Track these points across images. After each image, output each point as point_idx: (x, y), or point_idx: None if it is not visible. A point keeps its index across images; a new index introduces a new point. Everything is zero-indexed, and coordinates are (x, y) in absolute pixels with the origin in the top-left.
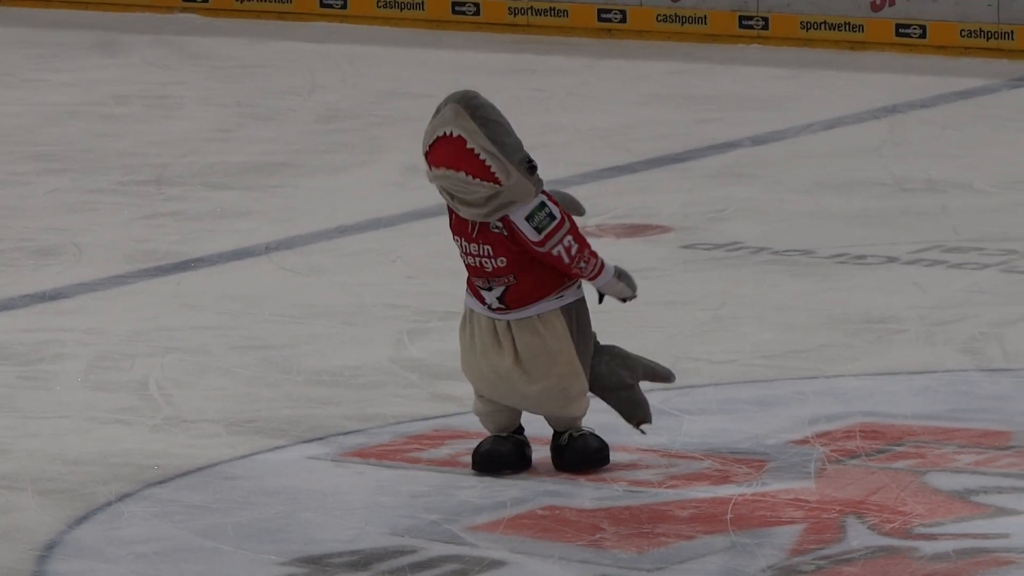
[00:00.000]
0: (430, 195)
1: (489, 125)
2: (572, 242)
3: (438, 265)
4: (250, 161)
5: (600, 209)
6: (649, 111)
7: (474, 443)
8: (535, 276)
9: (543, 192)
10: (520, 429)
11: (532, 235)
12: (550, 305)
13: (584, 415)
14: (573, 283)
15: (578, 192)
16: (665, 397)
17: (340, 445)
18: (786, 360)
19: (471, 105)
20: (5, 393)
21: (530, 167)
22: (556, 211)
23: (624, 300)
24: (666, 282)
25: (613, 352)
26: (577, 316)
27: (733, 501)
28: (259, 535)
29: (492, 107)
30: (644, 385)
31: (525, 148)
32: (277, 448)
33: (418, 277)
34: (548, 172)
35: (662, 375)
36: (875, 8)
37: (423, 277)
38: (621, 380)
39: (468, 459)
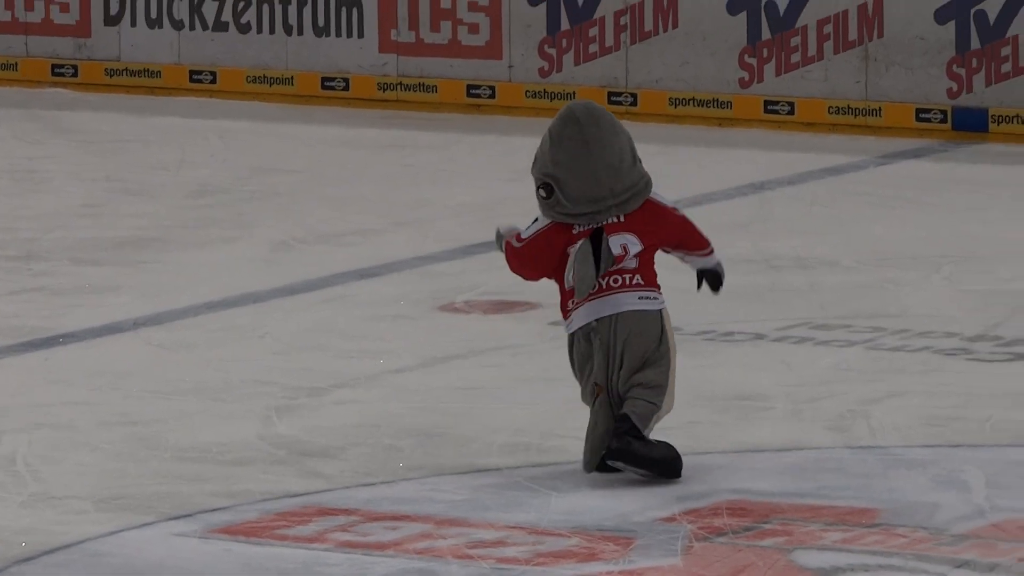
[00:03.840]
0: (299, 271)
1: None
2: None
3: (306, 341)
4: (119, 236)
5: (468, 285)
6: (518, 187)
7: (341, 520)
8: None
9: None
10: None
11: None
12: None
13: None
14: (567, 319)
15: (446, 268)
16: (532, 474)
17: (207, 522)
18: (653, 436)
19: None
20: None
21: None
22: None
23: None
24: (534, 358)
25: None
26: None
27: None
28: None
29: (571, 124)
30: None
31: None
32: (145, 525)
33: (286, 353)
34: (417, 247)
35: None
36: (743, 85)
37: (291, 353)
38: None
39: (336, 536)
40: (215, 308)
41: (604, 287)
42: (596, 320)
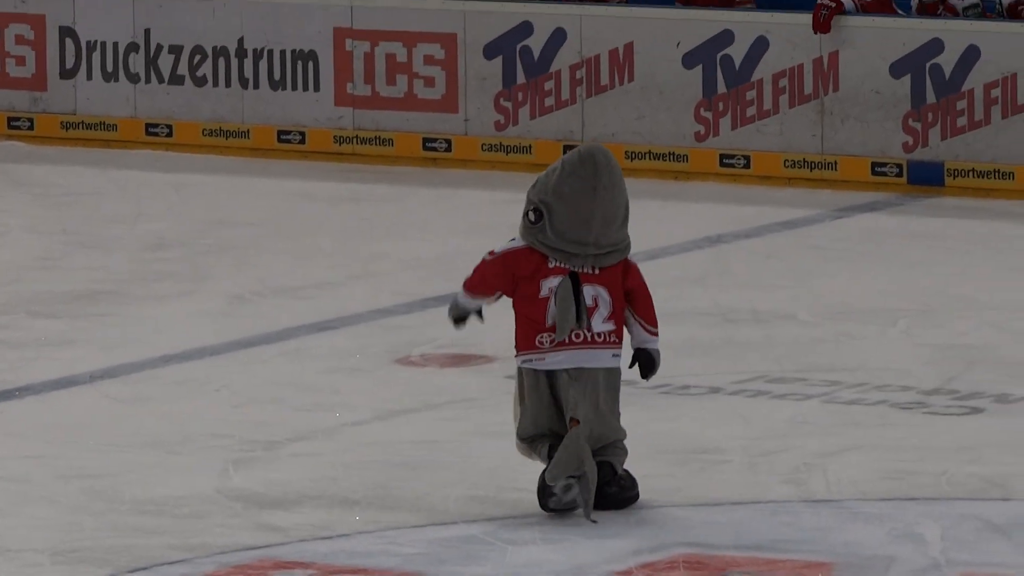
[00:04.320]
0: (256, 324)
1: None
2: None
3: (263, 394)
4: (75, 289)
5: (424, 339)
6: (473, 240)
7: (298, 574)
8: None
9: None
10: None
11: None
12: (517, 361)
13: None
14: (530, 353)
15: (403, 321)
16: (488, 529)
17: (164, 575)
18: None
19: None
20: None
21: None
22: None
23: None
24: (490, 412)
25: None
26: (520, 376)
27: None
28: None
29: (588, 163)
30: None
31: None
32: None
33: (243, 406)
34: (372, 301)
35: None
36: (699, 138)
37: (248, 406)
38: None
39: None
40: (171, 361)
41: (589, 339)
42: (576, 368)
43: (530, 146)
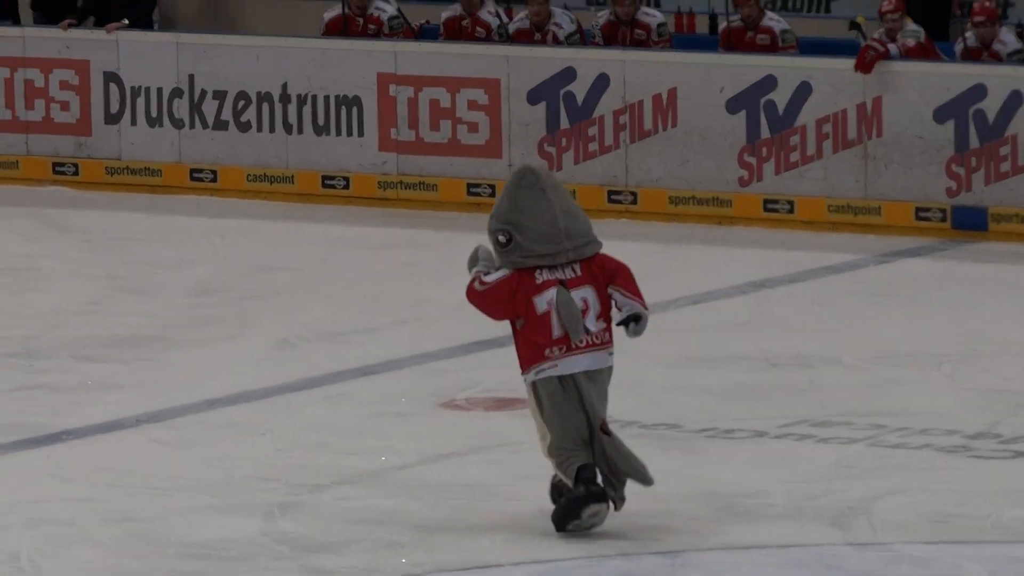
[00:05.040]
0: (300, 369)
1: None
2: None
3: (308, 438)
4: (120, 334)
5: (469, 383)
6: None
7: None
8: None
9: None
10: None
11: None
12: (526, 379)
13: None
14: (541, 363)
15: (448, 365)
16: (532, 571)
17: None
18: (655, 534)
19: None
20: None
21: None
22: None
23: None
24: (535, 455)
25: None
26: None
27: None
28: None
29: (528, 175)
30: None
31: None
32: None
33: (288, 450)
34: (416, 345)
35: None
36: (743, 183)
37: (292, 450)
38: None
39: None
40: (216, 405)
41: (590, 343)
42: (593, 371)
43: (574, 192)
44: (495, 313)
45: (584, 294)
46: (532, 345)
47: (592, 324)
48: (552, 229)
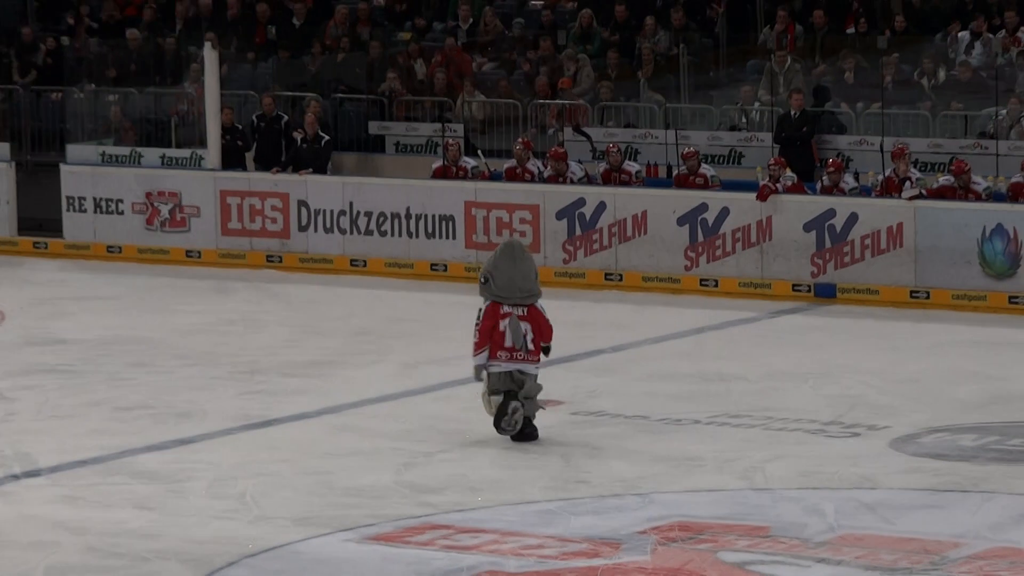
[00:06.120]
0: (420, 380)
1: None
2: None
3: (425, 423)
4: (309, 359)
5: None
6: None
7: (443, 532)
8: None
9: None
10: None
11: None
12: (487, 364)
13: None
14: (495, 360)
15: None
16: (561, 505)
17: (363, 533)
18: (632, 483)
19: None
20: (160, 501)
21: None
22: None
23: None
24: (561, 437)
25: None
26: (488, 375)
27: (600, 568)
28: None
29: (508, 248)
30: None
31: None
32: (323, 535)
33: (412, 430)
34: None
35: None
36: (687, 268)
37: (416, 430)
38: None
39: (440, 541)
40: (368, 403)
41: (523, 356)
42: (518, 372)
43: (584, 273)
44: (483, 341)
45: (527, 327)
46: (493, 348)
47: (530, 344)
48: (510, 283)
